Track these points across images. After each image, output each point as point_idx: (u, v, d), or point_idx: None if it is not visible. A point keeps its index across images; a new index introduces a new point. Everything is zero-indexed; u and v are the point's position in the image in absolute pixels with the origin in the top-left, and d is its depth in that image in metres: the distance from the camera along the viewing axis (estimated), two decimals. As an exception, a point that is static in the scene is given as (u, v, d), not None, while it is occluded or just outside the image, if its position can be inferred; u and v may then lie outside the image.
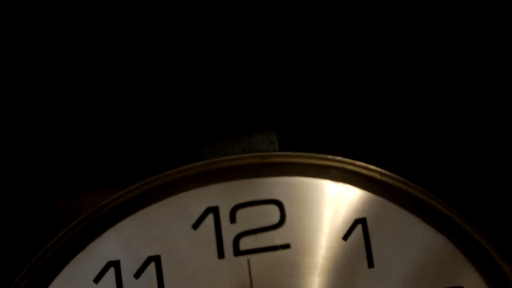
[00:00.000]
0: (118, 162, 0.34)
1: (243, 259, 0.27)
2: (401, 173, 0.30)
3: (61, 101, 0.33)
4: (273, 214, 0.28)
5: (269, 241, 0.27)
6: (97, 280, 0.27)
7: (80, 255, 0.27)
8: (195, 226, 0.27)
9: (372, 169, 0.28)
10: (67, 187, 0.34)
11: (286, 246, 0.27)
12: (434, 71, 0.34)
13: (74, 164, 0.34)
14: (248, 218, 0.28)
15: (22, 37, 0.31)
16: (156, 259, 0.27)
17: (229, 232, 0.27)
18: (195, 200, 0.28)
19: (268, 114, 0.34)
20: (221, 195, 0.28)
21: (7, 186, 0.33)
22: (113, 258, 0.27)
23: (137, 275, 0.27)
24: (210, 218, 0.28)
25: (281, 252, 0.27)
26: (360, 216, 0.28)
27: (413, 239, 0.28)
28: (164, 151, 0.34)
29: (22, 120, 0.33)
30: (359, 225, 0.28)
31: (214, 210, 0.28)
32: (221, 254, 0.27)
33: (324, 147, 0.34)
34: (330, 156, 0.28)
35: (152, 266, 0.27)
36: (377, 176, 0.28)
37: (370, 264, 0.27)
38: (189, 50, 0.33)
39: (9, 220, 0.33)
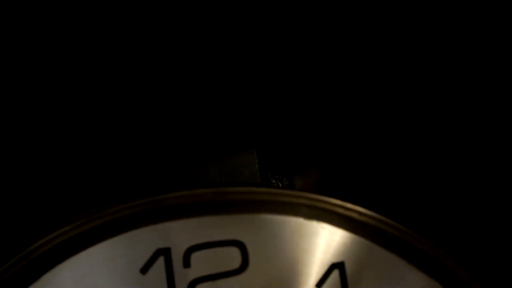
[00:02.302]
0: (91, 183, 0.31)
1: (198, 309, 0.23)
2: (384, 201, 0.27)
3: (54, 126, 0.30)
4: (234, 257, 0.24)
5: (230, 289, 0.23)
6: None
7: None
8: (144, 270, 0.24)
9: (349, 208, 0.24)
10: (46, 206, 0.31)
11: (249, 295, 0.23)
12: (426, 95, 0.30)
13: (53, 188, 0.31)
14: (204, 262, 0.24)
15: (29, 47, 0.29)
16: (100, 308, 0.24)
17: (183, 277, 0.24)
18: (143, 240, 0.24)
19: (248, 132, 0.30)
20: (173, 235, 0.24)
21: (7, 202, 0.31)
22: (52, 307, 0.24)
23: (77, 327, 0.23)
24: (160, 261, 0.24)
25: (243, 302, 0.23)
26: (338, 260, 0.24)
27: (399, 286, 0.23)
28: (136, 172, 0.31)
29: (15, 138, 0.31)
30: (335, 270, 0.24)
31: (165, 252, 0.24)
32: (173, 304, 0.23)
33: (320, 165, 0.30)
34: (301, 193, 0.24)
35: (94, 316, 0.23)
36: (356, 216, 0.24)
37: (349, 317, 0.23)
38: (164, 64, 0.29)
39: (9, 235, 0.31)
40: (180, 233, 0.24)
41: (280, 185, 0.30)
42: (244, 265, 0.24)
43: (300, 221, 0.24)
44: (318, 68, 0.30)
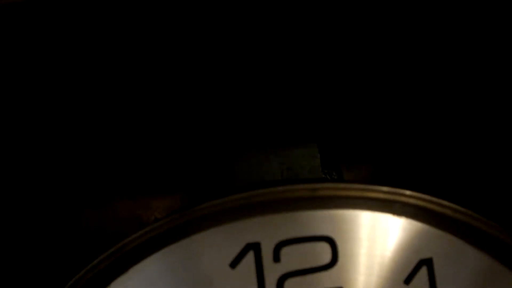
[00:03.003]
0: (147, 173, 0.31)
1: (288, 303, 0.24)
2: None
3: (93, 111, 0.30)
4: (323, 253, 0.24)
5: (319, 284, 0.24)
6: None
7: (104, 293, 0.24)
8: (233, 264, 0.24)
9: (445, 205, 0.24)
10: (95, 195, 0.31)
11: (338, 291, 0.24)
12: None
13: (103, 172, 0.31)
14: (294, 257, 0.24)
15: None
16: (189, 301, 0.24)
17: (272, 272, 0.24)
18: (233, 235, 0.24)
19: (308, 125, 0.30)
20: (263, 230, 0.24)
21: (33, 192, 0.31)
22: (141, 298, 0.24)
23: (166, 320, 0.24)
24: (250, 255, 0.24)
25: (332, 297, 0.24)
26: (426, 256, 0.24)
27: (488, 285, 0.24)
28: (196, 163, 0.31)
29: (52, 126, 0.31)
30: (424, 266, 0.24)
31: (255, 247, 0.24)
32: (262, 298, 0.24)
33: (370, 160, 0.30)
34: (395, 189, 0.24)
35: (184, 310, 0.24)
36: (450, 213, 0.24)
37: (436, 313, 0.24)
38: (223, 56, 0.29)
39: (35, 227, 0.31)
40: (270, 228, 0.24)
41: (329, 178, 0.30)
42: (334, 261, 0.24)
43: (389, 217, 0.24)
44: (371, 62, 0.30)
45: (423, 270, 0.24)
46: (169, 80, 0.30)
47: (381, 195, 0.24)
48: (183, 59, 0.29)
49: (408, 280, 0.24)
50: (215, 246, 0.24)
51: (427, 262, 0.24)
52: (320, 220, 0.24)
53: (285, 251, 0.24)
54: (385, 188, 0.24)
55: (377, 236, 0.24)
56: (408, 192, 0.23)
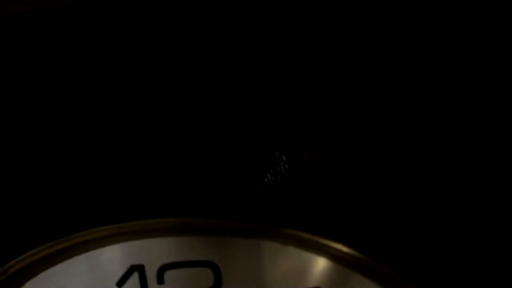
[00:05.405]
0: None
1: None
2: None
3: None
4: (207, 276, 0.23)
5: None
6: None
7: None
8: (120, 284, 0.24)
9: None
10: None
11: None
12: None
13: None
14: (178, 280, 0.23)
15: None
16: (80, 316, 0.24)
17: None
18: (119, 255, 0.24)
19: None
20: (148, 252, 0.24)
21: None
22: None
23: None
24: (135, 277, 0.24)
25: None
26: (317, 285, 0.23)
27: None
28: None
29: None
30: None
31: (139, 269, 0.24)
32: (149, 316, 0.24)
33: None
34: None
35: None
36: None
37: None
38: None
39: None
40: (154, 251, 0.24)
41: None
42: (218, 284, 0.23)
43: (277, 245, 0.23)
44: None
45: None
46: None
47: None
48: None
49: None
50: (101, 265, 0.24)
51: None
52: (204, 245, 0.23)
53: (169, 274, 0.24)
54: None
55: (263, 262, 0.23)
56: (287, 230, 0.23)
